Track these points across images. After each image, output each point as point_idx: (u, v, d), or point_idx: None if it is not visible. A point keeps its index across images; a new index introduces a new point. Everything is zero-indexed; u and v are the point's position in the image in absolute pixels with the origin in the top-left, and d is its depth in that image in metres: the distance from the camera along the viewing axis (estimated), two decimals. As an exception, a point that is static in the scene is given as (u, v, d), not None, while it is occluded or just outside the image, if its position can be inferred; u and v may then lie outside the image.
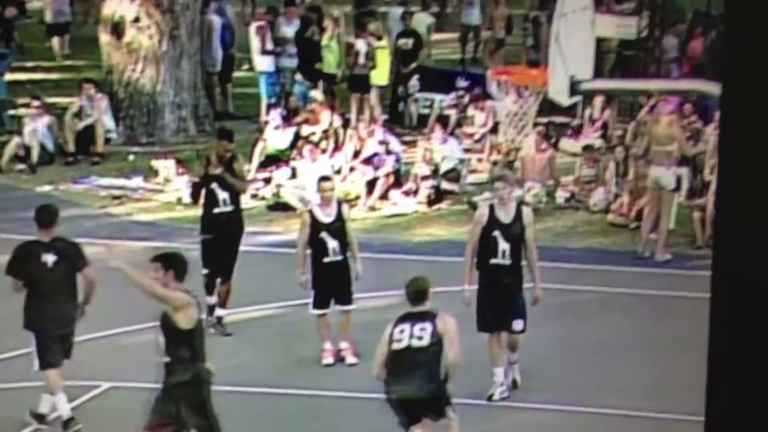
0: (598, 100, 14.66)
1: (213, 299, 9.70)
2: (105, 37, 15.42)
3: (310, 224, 9.07)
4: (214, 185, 9.72)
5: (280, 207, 13.10)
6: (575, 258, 11.70)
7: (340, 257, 9.10)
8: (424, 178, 13.41)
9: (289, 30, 15.84)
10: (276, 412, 8.44)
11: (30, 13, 19.47)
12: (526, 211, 8.73)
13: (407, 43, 16.23)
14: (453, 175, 13.66)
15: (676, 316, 10.01)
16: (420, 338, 7.07)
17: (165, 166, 13.91)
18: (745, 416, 3.15)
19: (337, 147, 13.87)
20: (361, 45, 15.51)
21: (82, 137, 14.57)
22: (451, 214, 13.12)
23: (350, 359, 9.19)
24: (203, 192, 9.85)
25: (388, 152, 13.51)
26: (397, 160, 13.55)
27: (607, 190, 13.18)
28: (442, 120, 14.68)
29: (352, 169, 13.54)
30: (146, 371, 7.80)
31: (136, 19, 15.14)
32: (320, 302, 9.17)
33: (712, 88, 9.73)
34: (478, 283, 8.52)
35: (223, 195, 9.69)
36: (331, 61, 15.60)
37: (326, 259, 9.06)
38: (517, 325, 8.52)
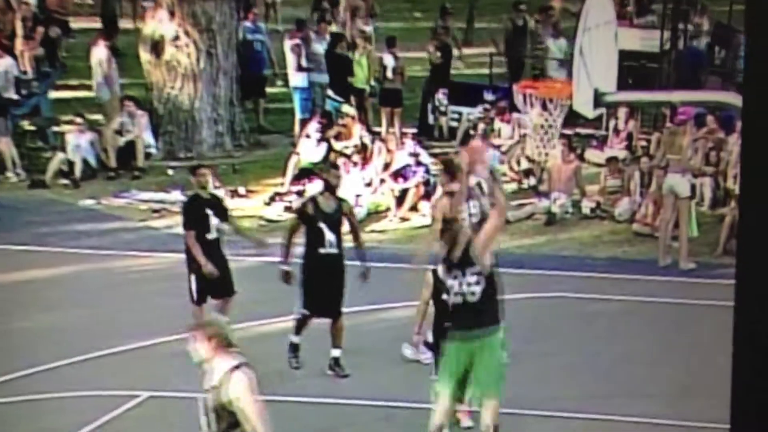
0: (622, 112, 14.88)
1: (298, 339, 9.52)
2: (145, 56, 15.77)
3: (434, 283, 8.42)
4: (322, 225, 9.27)
5: (313, 219, 13.44)
6: (601, 267, 11.93)
7: None
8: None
9: (320, 46, 16.19)
10: (308, 421, 8.60)
11: (73, 33, 19.83)
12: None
13: (437, 56, 16.52)
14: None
15: (700, 324, 10.15)
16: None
17: (202, 180, 14.33)
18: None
19: (367, 160, 14.24)
20: (389, 60, 15.87)
21: (123, 153, 14.97)
22: (478, 225, 13.41)
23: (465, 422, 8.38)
24: (305, 228, 9.33)
25: (419, 164, 13.84)
26: (427, 172, 13.86)
27: (632, 200, 13.40)
28: (470, 133, 15.00)
29: (382, 181, 13.89)
30: (185, 381, 8.07)
31: (176, 38, 15.48)
32: None
33: (734, 99, 9.90)
34: None
35: (330, 237, 9.33)
36: (360, 76, 15.93)
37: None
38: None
